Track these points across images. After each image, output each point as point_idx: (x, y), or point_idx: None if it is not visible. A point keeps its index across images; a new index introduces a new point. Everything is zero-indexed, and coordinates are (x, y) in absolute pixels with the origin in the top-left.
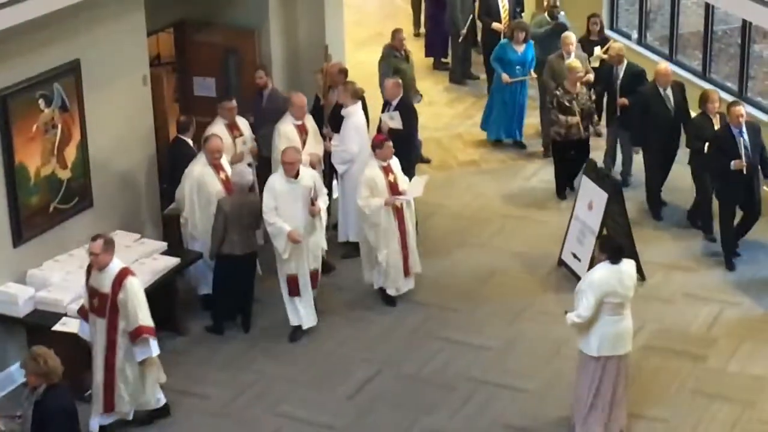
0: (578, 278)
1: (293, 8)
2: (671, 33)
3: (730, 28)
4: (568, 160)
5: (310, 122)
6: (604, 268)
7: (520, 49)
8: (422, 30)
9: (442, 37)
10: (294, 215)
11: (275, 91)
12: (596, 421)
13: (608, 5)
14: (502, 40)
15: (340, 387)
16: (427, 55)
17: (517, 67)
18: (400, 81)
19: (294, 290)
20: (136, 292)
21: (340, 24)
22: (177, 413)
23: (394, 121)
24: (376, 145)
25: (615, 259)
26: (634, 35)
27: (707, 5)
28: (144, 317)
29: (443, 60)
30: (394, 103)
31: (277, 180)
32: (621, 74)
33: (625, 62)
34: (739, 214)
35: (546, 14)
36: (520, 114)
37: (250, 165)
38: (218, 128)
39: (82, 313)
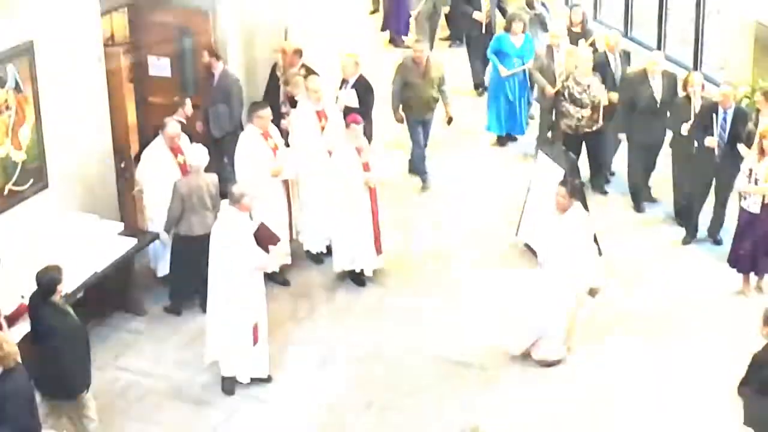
0: (535, 253)
1: None
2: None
3: None
4: (578, 154)
5: (329, 108)
6: (579, 208)
7: (518, 41)
8: (380, 7)
9: (405, 16)
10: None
11: (226, 72)
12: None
13: None
14: (500, 33)
15: (297, 367)
16: (383, 29)
17: (515, 59)
18: (358, 60)
19: (257, 337)
20: None
21: (295, 2)
22: (136, 394)
23: (350, 99)
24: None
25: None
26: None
27: None
28: None
29: (404, 39)
30: (351, 81)
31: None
32: (618, 62)
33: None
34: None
35: (524, 3)
36: (523, 107)
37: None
38: (251, 136)
39: None
